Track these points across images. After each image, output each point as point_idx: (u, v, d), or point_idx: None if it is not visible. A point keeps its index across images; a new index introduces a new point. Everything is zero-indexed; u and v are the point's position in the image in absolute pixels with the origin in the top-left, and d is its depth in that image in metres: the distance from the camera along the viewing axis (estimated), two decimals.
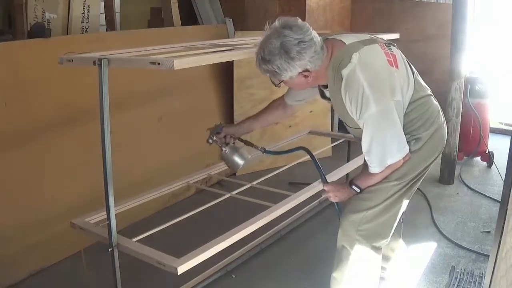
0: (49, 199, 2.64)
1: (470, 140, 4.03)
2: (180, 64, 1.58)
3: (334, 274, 1.94)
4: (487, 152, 4.04)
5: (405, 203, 1.87)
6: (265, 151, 2.25)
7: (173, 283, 2.27)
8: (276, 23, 1.64)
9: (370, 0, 4.96)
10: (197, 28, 4.06)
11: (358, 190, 1.83)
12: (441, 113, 1.87)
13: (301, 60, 1.61)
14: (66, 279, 2.52)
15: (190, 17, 4.31)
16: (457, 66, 3.52)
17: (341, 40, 1.71)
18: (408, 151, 1.70)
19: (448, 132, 3.60)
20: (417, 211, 3.19)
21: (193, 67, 1.71)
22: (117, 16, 3.68)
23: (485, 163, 4.09)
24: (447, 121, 3.62)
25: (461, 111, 3.65)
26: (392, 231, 1.91)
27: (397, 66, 1.69)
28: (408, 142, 1.72)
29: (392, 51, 1.74)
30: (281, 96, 2.16)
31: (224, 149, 2.15)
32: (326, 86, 1.78)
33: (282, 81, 1.71)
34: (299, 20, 1.65)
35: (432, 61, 4.58)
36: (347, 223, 1.86)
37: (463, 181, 3.74)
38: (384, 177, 1.77)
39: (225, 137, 2.14)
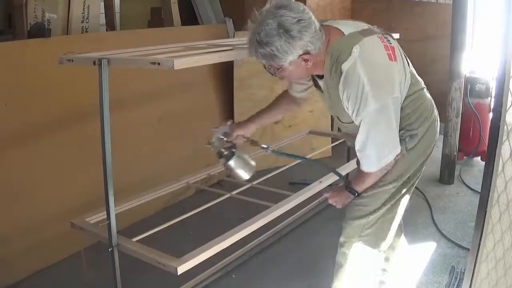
0: (49, 199, 2.64)
1: (470, 140, 4.02)
2: (180, 64, 1.57)
3: (336, 283, 1.92)
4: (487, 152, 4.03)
5: (404, 204, 1.85)
6: (272, 151, 2.12)
7: (173, 283, 2.27)
8: (268, 6, 1.51)
9: (370, 0, 4.96)
10: (197, 28, 4.06)
11: (355, 194, 1.79)
12: (434, 107, 1.82)
13: (302, 39, 1.49)
14: (66, 279, 2.52)
15: (190, 17, 4.31)
16: (457, 66, 3.52)
17: (338, 29, 1.61)
18: (399, 151, 1.65)
19: (448, 132, 3.65)
20: (417, 211, 3.19)
21: (193, 67, 1.70)
22: (117, 16, 3.67)
23: (485, 163, 4.09)
24: (447, 121, 3.63)
25: (461, 111, 3.65)
26: (394, 233, 1.90)
27: (395, 59, 1.63)
28: (403, 139, 1.68)
29: (391, 43, 1.67)
30: (286, 92, 2.06)
31: (228, 157, 1.90)
32: (320, 76, 1.70)
33: (280, 67, 1.57)
34: (294, 0, 1.52)
35: (432, 61, 4.58)
36: (350, 228, 1.83)
37: (463, 181, 3.74)
38: (377, 178, 1.73)
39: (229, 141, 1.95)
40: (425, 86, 1.81)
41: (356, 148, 1.64)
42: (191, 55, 1.88)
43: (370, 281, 1.91)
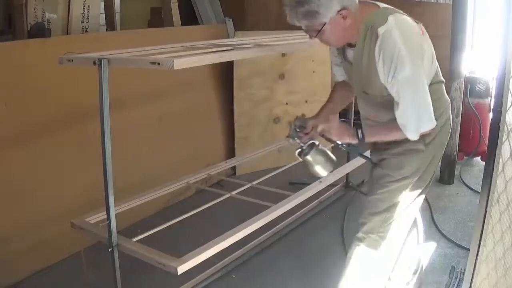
0: (49, 199, 2.64)
1: (470, 140, 4.02)
2: (180, 64, 1.58)
3: (344, 281, 1.91)
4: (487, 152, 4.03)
5: (419, 204, 1.86)
6: (347, 147, 1.93)
7: (173, 283, 2.27)
8: None
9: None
10: (197, 28, 4.06)
11: (360, 137, 1.72)
12: (450, 104, 1.86)
13: None
14: (66, 279, 2.52)
15: (190, 17, 4.31)
16: (457, 66, 3.52)
17: (374, 3, 1.68)
18: (435, 124, 1.65)
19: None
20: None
21: (193, 67, 1.71)
22: (117, 16, 3.67)
23: (485, 163, 4.08)
24: None
25: (461, 111, 3.65)
26: (408, 231, 1.91)
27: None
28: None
29: (422, 28, 1.71)
30: (337, 83, 2.05)
31: (306, 150, 1.81)
32: (352, 47, 1.72)
33: (322, 26, 1.60)
34: None
35: None
36: (370, 224, 1.83)
37: (463, 181, 3.74)
38: (390, 138, 1.71)
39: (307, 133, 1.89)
40: (444, 81, 1.83)
41: (398, 114, 1.63)
42: (191, 55, 1.88)
43: (377, 279, 1.91)
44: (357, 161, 2.82)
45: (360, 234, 1.87)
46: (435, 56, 1.75)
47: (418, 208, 1.90)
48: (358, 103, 1.87)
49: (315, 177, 2.12)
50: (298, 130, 1.85)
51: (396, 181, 1.78)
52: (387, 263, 1.92)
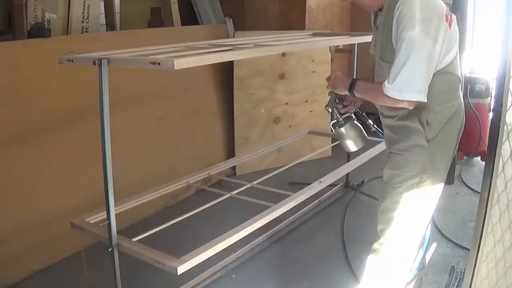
0: (49, 199, 2.64)
1: (470, 140, 4.02)
2: (180, 64, 1.58)
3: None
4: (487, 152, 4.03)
5: (434, 203, 1.84)
6: (377, 129, 1.97)
7: (173, 283, 2.27)
8: None
9: None
10: (197, 28, 4.06)
11: (349, 90, 1.74)
12: (461, 103, 1.80)
13: None
14: (66, 279, 2.52)
15: (190, 17, 4.32)
16: None
17: None
18: (424, 99, 1.60)
19: None
20: None
21: (193, 67, 1.71)
22: (117, 16, 3.67)
23: (485, 163, 4.08)
24: None
25: None
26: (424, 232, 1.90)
27: (450, 26, 1.65)
28: (422, 125, 1.69)
29: (452, 15, 1.69)
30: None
31: (342, 123, 1.85)
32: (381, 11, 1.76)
33: None
34: None
35: None
36: (389, 229, 1.82)
37: (463, 181, 3.74)
38: (378, 101, 1.69)
39: (346, 105, 1.89)
40: (460, 78, 1.79)
41: (393, 67, 1.61)
42: (191, 55, 1.88)
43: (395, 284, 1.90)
44: (357, 161, 2.83)
45: (381, 240, 1.85)
46: (456, 48, 1.71)
47: (433, 211, 1.87)
48: (375, 74, 1.85)
49: (313, 179, 2.12)
50: (337, 101, 1.86)
51: (404, 180, 1.75)
52: (404, 268, 1.90)
